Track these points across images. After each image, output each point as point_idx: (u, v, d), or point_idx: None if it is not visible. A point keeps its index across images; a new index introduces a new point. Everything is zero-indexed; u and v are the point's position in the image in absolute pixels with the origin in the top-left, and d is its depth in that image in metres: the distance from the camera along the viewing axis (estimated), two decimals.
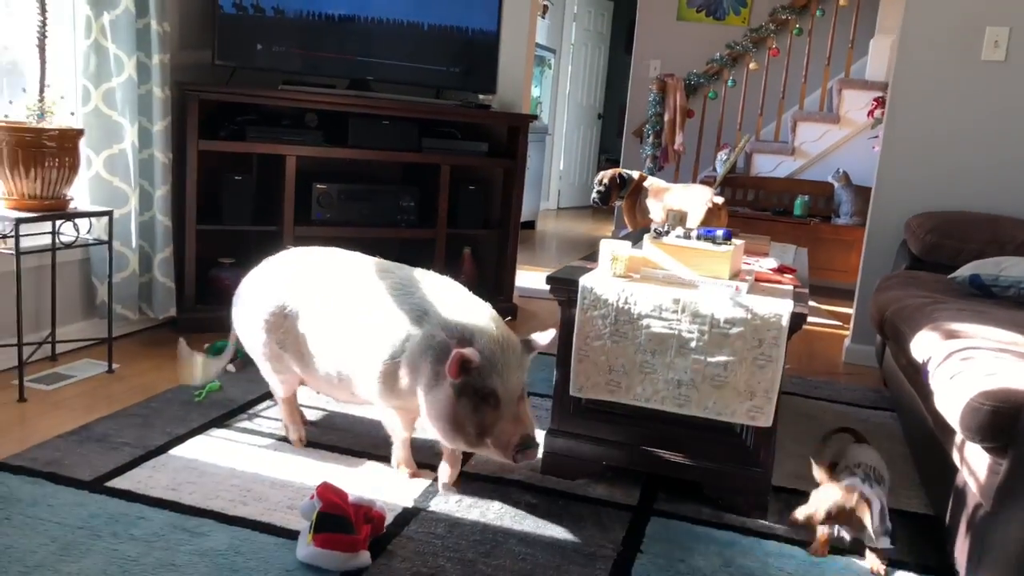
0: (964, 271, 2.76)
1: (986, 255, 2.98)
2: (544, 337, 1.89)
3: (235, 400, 2.52)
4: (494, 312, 1.95)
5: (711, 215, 3.15)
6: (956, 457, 1.82)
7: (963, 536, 1.71)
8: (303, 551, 1.66)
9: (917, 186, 3.45)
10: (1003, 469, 1.55)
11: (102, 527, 1.72)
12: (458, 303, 1.92)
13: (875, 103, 5.50)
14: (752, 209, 5.66)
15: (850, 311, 3.83)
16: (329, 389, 2.10)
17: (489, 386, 1.77)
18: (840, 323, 4.40)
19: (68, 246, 2.62)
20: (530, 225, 7.37)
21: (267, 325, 2.08)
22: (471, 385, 1.77)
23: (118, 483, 1.93)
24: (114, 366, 2.74)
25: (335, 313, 1.98)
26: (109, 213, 2.70)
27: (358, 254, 2.19)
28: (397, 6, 3.57)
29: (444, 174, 3.67)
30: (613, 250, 2.13)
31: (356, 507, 1.73)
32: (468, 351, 1.75)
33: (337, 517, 1.68)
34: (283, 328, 2.06)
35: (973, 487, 1.70)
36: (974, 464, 1.70)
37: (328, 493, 1.72)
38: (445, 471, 2.06)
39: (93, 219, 2.82)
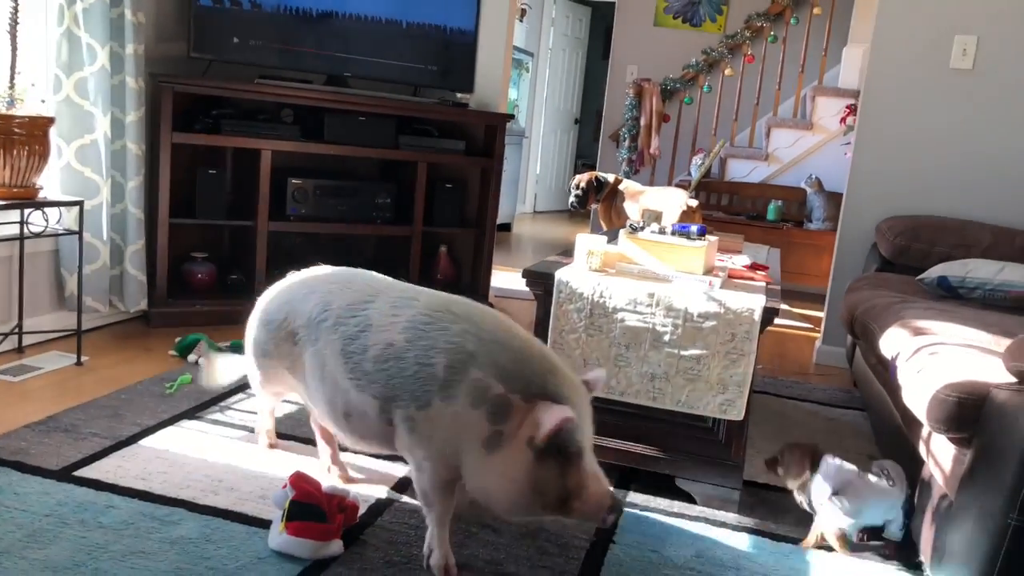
0: (932, 273, 2.82)
1: (954, 258, 3.04)
2: (599, 378, 1.61)
3: (206, 393, 2.49)
4: (548, 347, 1.66)
5: (686, 217, 3.18)
6: (923, 450, 1.86)
7: (928, 527, 1.74)
8: (276, 540, 1.65)
9: (887, 191, 3.50)
10: (967, 459, 1.58)
11: (69, 515, 1.70)
12: (510, 340, 1.56)
13: (847, 110, 5.58)
14: (726, 213, 5.72)
15: (821, 314, 3.88)
16: (336, 429, 1.78)
17: (576, 443, 1.45)
18: (811, 326, 4.45)
19: (37, 235, 2.58)
20: (506, 228, 7.38)
21: (271, 345, 1.85)
22: (556, 445, 1.43)
23: (86, 472, 1.90)
24: (83, 358, 2.71)
25: (352, 346, 1.66)
26: (80, 203, 2.66)
27: (382, 276, 1.89)
28: (376, 3, 3.56)
29: (421, 172, 3.67)
30: (589, 245, 2.14)
31: (329, 496, 1.72)
32: (568, 414, 1.41)
33: (310, 506, 1.67)
34: (290, 354, 1.81)
35: (939, 479, 1.73)
36: (940, 456, 1.73)
37: (301, 482, 1.71)
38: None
39: (63, 209, 2.78)
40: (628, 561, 1.75)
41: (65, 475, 1.88)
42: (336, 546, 1.66)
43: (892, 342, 2.15)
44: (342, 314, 1.71)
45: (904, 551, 1.88)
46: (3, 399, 2.32)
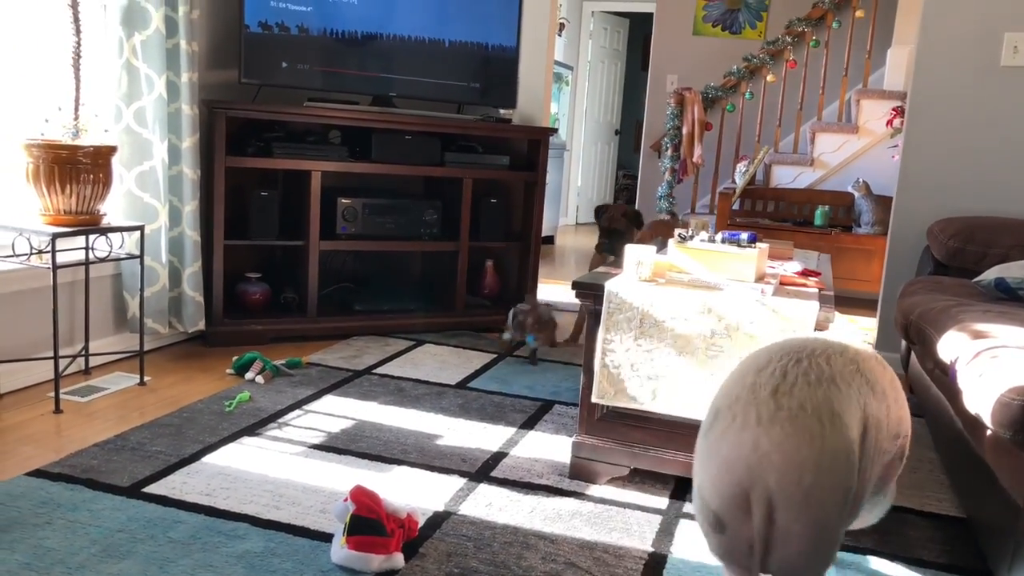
0: (989, 275, 2.76)
1: (1010, 259, 2.97)
2: None
3: (265, 410, 2.55)
4: None
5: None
6: (986, 456, 1.82)
7: (997, 535, 1.71)
8: (337, 554, 1.68)
9: (938, 192, 3.45)
10: None
11: (140, 530, 1.76)
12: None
13: (894, 112, 5.50)
14: (772, 220, 5.66)
15: (872, 320, 3.81)
16: None
17: None
18: (863, 332, 4.38)
19: (102, 260, 2.67)
20: (549, 240, 7.40)
21: None
22: None
23: (154, 489, 1.96)
24: (145, 379, 2.79)
25: None
26: (140, 228, 2.75)
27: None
28: (418, 24, 3.63)
29: (467, 187, 3.71)
30: (638, 255, 2.15)
31: (389, 511, 1.75)
32: None
33: (370, 520, 1.70)
34: None
35: (1006, 485, 1.70)
36: (1007, 462, 1.69)
37: (361, 496, 1.74)
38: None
39: (125, 234, 2.88)
40: (687, 571, 1.75)
41: (134, 491, 1.94)
42: (397, 559, 1.69)
43: (950, 346, 2.11)
44: None
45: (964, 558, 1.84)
46: (73, 419, 2.41)
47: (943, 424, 2.34)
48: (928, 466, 2.44)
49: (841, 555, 1.87)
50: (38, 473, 2.00)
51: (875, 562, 1.85)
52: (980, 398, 1.71)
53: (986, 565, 1.80)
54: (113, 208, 2.90)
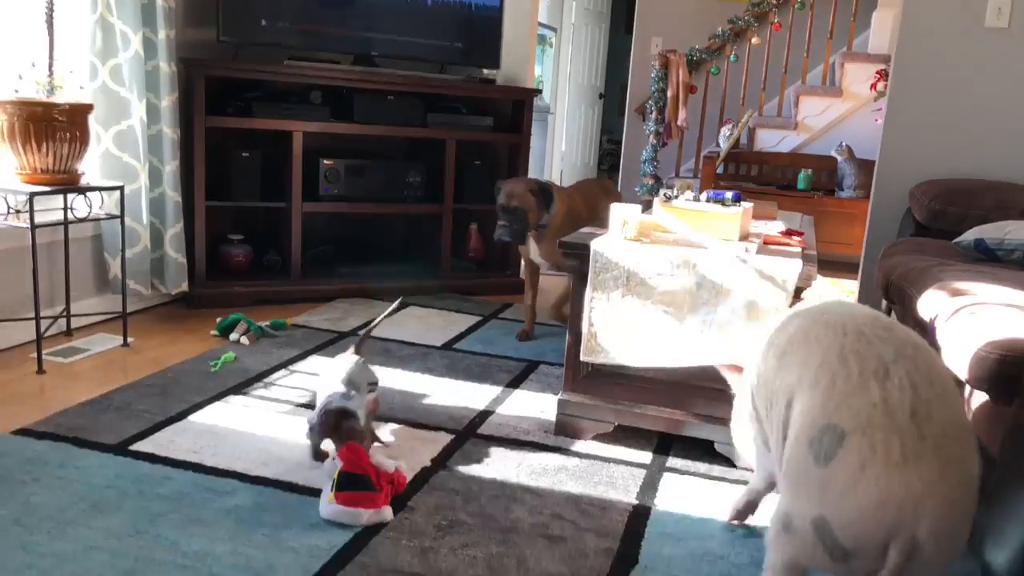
0: (969, 235, 2.79)
1: (991, 220, 3.00)
2: None
3: (250, 370, 2.55)
4: None
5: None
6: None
7: None
8: (326, 509, 1.70)
9: (921, 155, 3.46)
10: (1010, 417, 1.58)
11: (129, 487, 1.76)
12: None
13: (878, 76, 5.50)
14: (756, 184, 5.68)
15: (854, 282, 3.85)
16: None
17: None
18: (845, 294, 4.43)
19: (81, 220, 2.64)
20: None
21: None
22: None
23: (141, 446, 1.96)
24: (129, 340, 2.78)
25: None
26: (120, 188, 2.72)
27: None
28: None
29: (450, 149, 3.69)
30: (624, 214, 2.15)
31: (377, 467, 1.76)
32: None
33: (358, 476, 1.71)
34: None
35: (981, 439, 1.73)
36: (981, 414, 1.73)
37: (349, 453, 1.75)
38: None
39: (104, 195, 2.84)
40: (671, 523, 1.78)
41: (122, 449, 1.94)
42: (386, 513, 1.71)
43: (930, 304, 2.14)
44: None
45: None
46: (57, 380, 2.40)
47: None
48: None
49: None
50: (24, 432, 1.99)
51: None
52: (958, 353, 1.74)
53: None
54: (92, 168, 2.86)
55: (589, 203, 3.22)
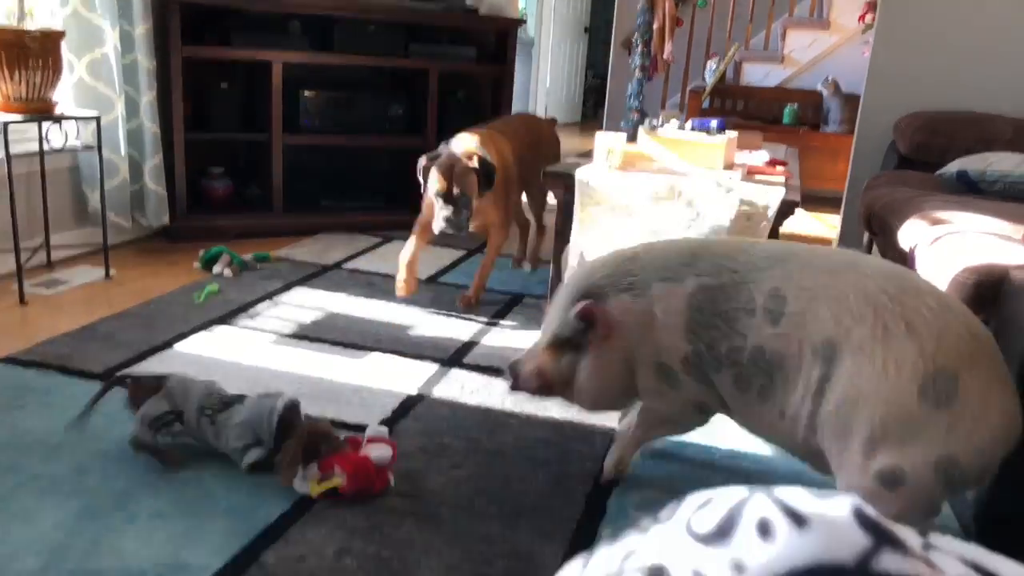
0: (951, 167, 2.80)
1: (974, 152, 3.01)
2: None
3: (234, 301, 2.55)
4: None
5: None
6: None
7: None
8: (302, 488, 1.54)
9: (907, 87, 3.45)
10: None
11: (116, 413, 1.77)
12: None
13: (866, 7, 5.43)
14: (741, 118, 5.64)
15: (837, 217, 3.87)
16: None
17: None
18: (828, 229, 4.46)
19: (57, 151, 2.60)
20: None
21: None
22: None
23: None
24: (111, 272, 2.76)
25: None
26: (96, 118, 2.66)
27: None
28: None
29: (432, 80, 3.63)
30: (609, 143, 2.14)
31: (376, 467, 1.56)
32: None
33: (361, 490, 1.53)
34: None
35: None
36: None
37: (358, 471, 1.53)
38: None
39: (80, 125, 2.79)
40: (650, 446, 1.82)
41: (107, 377, 1.95)
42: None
43: (911, 234, 2.16)
44: None
45: None
46: (40, 311, 2.39)
47: None
48: None
49: None
50: (9, 360, 1.99)
51: None
52: (936, 280, 1.77)
53: None
54: (65, 98, 2.79)
55: (524, 149, 2.82)
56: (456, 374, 2.14)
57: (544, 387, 1.59)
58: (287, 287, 2.73)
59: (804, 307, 1.31)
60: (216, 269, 2.82)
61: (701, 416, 1.58)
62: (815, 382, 1.29)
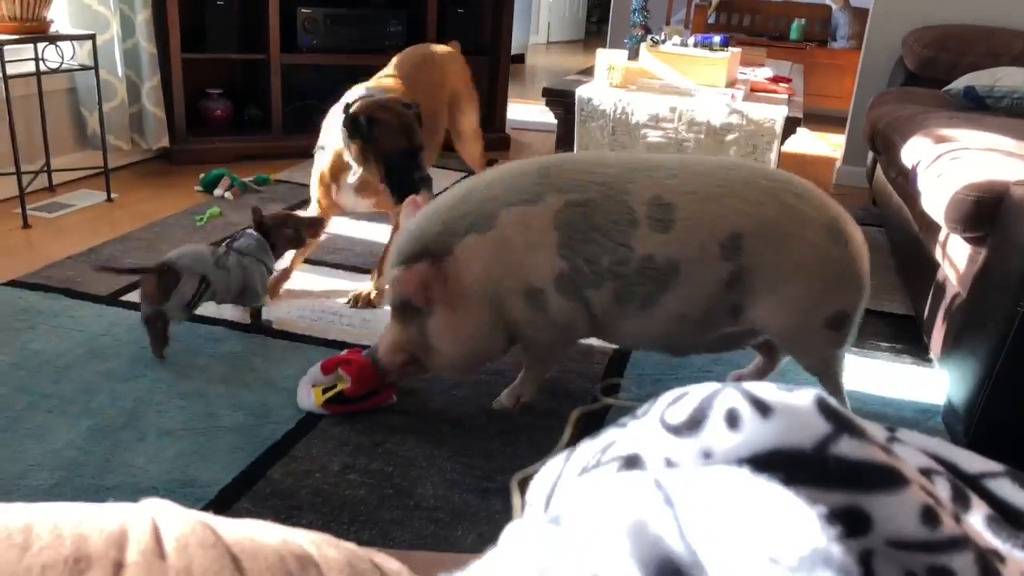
0: (959, 83, 2.75)
1: (982, 67, 2.96)
2: None
3: (236, 224, 2.56)
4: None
5: None
6: (938, 253, 1.90)
7: (940, 325, 1.82)
8: (305, 402, 1.58)
9: (917, 1, 3.36)
10: (982, 256, 1.63)
11: (123, 335, 1.81)
12: None
13: None
14: (747, 35, 5.52)
15: (841, 136, 3.83)
16: None
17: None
18: (832, 148, 4.41)
19: (54, 71, 2.57)
20: (519, 59, 7.17)
21: None
22: None
23: (132, 297, 1.99)
24: (112, 195, 2.76)
25: None
26: (92, 37, 2.62)
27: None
28: None
29: None
30: (610, 60, 2.11)
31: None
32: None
33: (354, 400, 1.57)
34: None
35: (952, 279, 1.79)
36: (955, 257, 1.78)
37: (361, 373, 1.55)
38: None
39: (76, 45, 2.74)
40: (649, 365, 1.85)
41: (113, 300, 1.98)
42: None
43: (914, 151, 2.14)
44: None
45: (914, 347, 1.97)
46: (43, 234, 2.40)
47: (901, 231, 2.43)
48: (884, 272, 2.55)
49: None
50: (14, 283, 2.02)
51: None
52: (936, 197, 1.76)
53: (927, 354, 1.93)
54: (60, 16, 2.74)
55: (421, 91, 2.25)
56: None
57: (407, 361, 1.50)
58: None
59: (697, 209, 1.36)
60: (217, 192, 2.82)
61: (568, 344, 1.57)
62: (727, 275, 1.37)
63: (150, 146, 3.08)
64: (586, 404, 1.67)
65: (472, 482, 1.42)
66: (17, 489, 1.31)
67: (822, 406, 0.30)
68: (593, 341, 1.92)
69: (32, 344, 1.73)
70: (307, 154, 3.46)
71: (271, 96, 3.34)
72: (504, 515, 1.34)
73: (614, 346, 1.93)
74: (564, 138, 2.15)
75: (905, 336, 2.10)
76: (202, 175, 2.91)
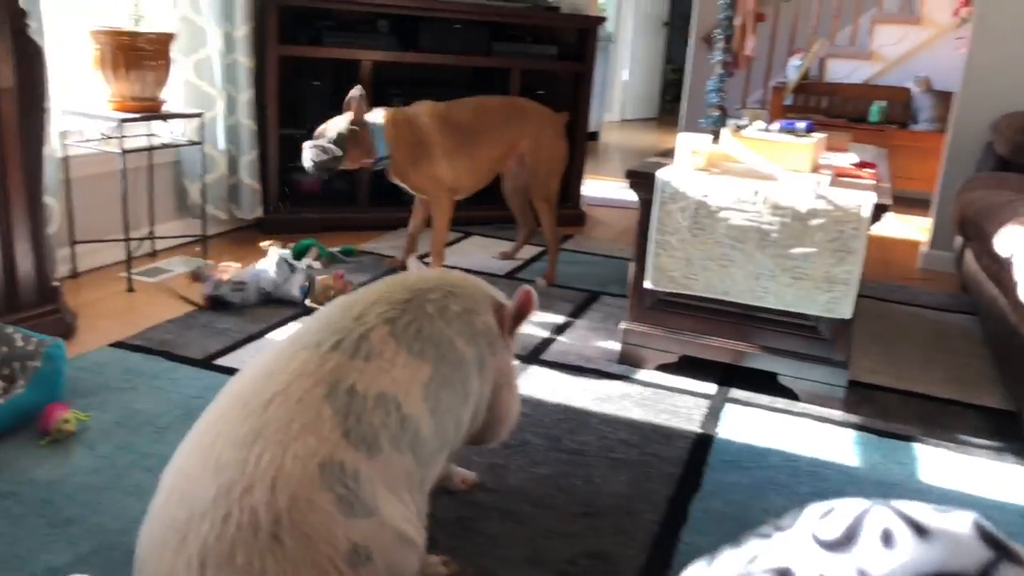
0: None
1: None
2: None
3: None
4: None
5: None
6: None
7: None
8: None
9: (1006, 85, 3.32)
10: None
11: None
12: None
13: (962, 1, 5.24)
14: (826, 116, 5.51)
15: (926, 219, 3.76)
16: None
17: None
18: (917, 231, 4.32)
19: (166, 146, 2.74)
20: (593, 137, 7.31)
21: None
22: None
23: (225, 361, 2.08)
24: (208, 261, 2.89)
25: None
26: (200, 115, 2.80)
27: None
28: None
29: (514, 78, 3.68)
30: (692, 144, 2.14)
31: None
32: None
33: None
34: None
35: None
36: None
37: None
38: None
39: (184, 121, 2.93)
40: (733, 451, 1.83)
41: (207, 363, 2.06)
42: None
43: (1008, 239, 2.10)
44: None
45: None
46: (145, 298, 2.53)
47: (995, 319, 2.35)
48: (979, 362, 2.47)
49: (886, 440, 1.93)
50: (119, 344, 2.13)
51: (920, 448, 1.91)
52: None
53: None
54: (172, 96, 2.94)
55: (481, 124, 2.89)
56: (535, 371, 2.18)
57: None
58: (372, 279, 2.82)
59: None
60: (305, 261, 2.93)
61: None
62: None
63: (245, 216, 3.24)
64: (669, 488, 1.65)
65: (553, 564, 1.41)
66: (120, 545, 1.36)
67: (982, 532, 0.31)
68: (676, 423, 1.91)
69: (134, 404, 1.81)
70: (390, 226, 3.59)
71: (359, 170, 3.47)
72: None
73: (696, 429, 1.91)
74: (645, 219, 2.17)
75: (1006, 433, 2.01)
76: (292, 245, 3.02)
